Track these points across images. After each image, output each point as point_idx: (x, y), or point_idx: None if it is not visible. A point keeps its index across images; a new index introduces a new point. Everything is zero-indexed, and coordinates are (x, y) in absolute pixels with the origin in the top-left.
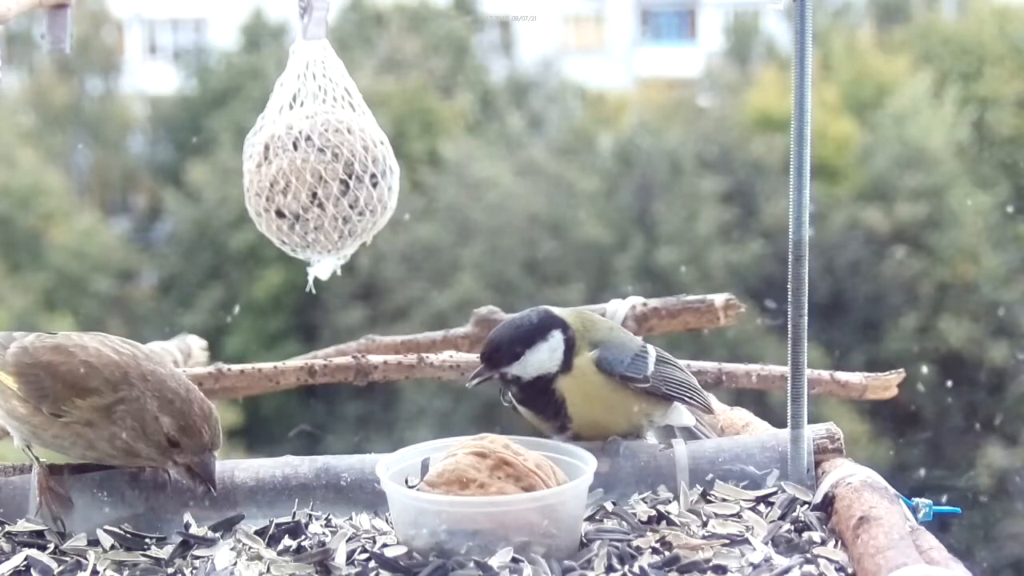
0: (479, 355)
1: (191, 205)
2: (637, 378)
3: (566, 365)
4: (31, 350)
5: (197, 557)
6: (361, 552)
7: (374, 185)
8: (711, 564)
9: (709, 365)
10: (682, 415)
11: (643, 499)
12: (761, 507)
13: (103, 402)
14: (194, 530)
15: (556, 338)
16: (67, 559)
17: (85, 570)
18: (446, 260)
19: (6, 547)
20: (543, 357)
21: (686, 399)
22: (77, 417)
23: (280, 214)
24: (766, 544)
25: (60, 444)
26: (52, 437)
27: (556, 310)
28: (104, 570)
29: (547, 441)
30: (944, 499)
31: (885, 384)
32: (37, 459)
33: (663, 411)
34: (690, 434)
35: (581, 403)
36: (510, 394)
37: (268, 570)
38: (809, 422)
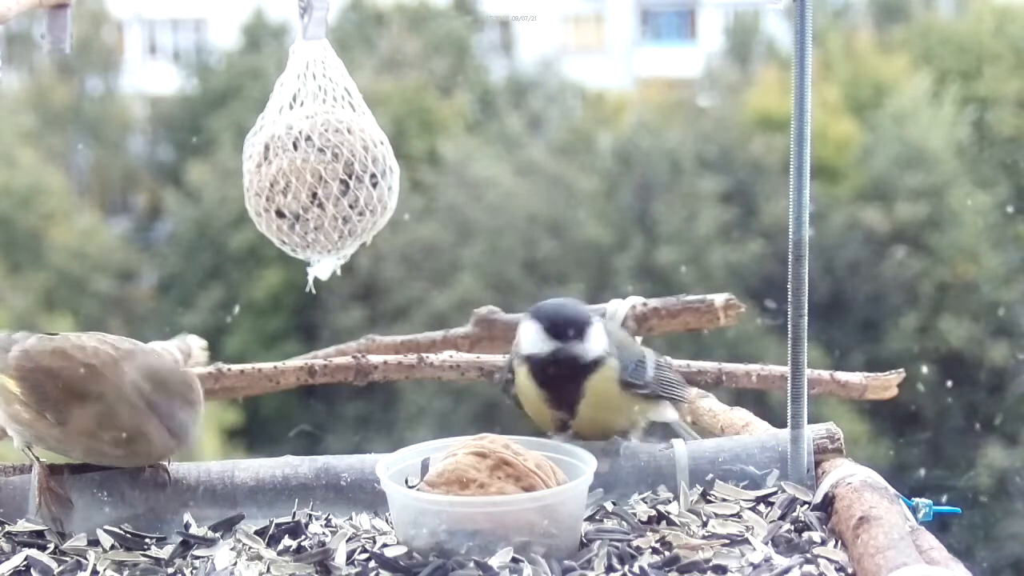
0: (544, 329)
1: (191, 205)
2: (639, 384)
3: (605, 358)
4: (32, 354)
5: (197, 557)
6: (361, 552)
7: (374, 185)
8: (711, 564)
9: (709, 365)
10: (666, 412)
11: (643, 499)
12: (761, 507)
13: (101, 406)
14: (194, 530)
15: (600, 327)
16: (67, 559)
17: (85, 570)
18: (446, 260)
19: (6, 547)
20: (600, 341)
21: (675, 397)
22: (80, 426)
23: (280, 214)
24: (766, 544)
25: (63, 448)
26: (56, 442)
27: None
28: (104, 570)
29: (547, 441)
30: (944, 499)
31: (885, 384)
32: (37, 459)
33: (656, 410)
34: (670, 430)
35: (594, 401)
36: (528, 375)
37: (268, 570)
38: (809, 422)
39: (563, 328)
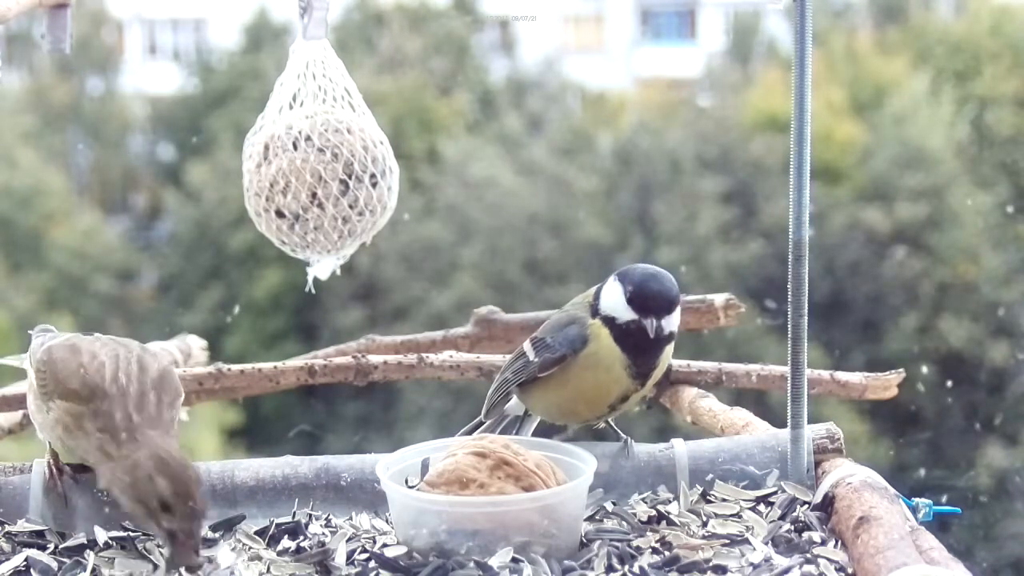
0: (637, 302)
1: (191, 205)
2: None
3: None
4: (50, 347)
5: None
6: (361, 552)
7: (374, 185)
8: (711, 564)
9: (709, 365)
10: None
11: (643, 499)
12: (761, 507)
13: (78, 408)
14: None
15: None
16: (67, 559)
17: (85, 570)
18: (446, 260)
19: (6, 547)
20: (677, 314)
21: None
22: (56, 416)
23: (280, 214)
24: (766, 544)
25: (58, 444)
26: (55, 438)
27: None
28: (104, 570)
29: (547, 441)
30: (944, 499)
31: (885, 384)
32: (50, 444)
33: None
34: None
35: (657, 373)
36: (611, 338)
37: (268, 570)
38: (809, 422)
39: (658, 304)
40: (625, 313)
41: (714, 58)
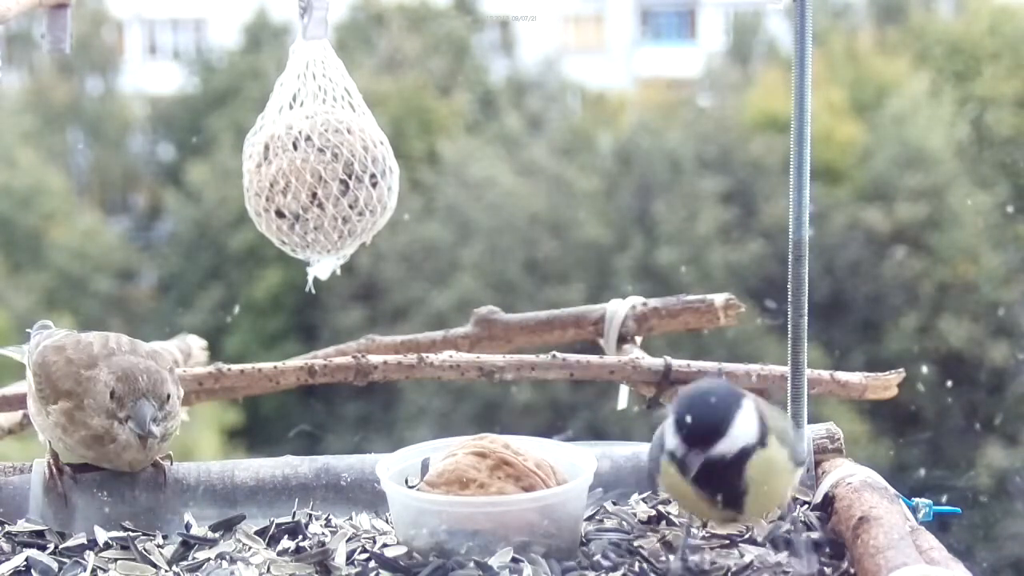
0: (681, 438)
1: (191, 205)
2: (802, 460)
3: (762, 439)
4: (43, 350)
5: (197, 557)
6: (361, 552)
7: (374, 185)
8: (711, 564)
9: (709, 365)
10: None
11: (643, 499)
12: None
13: (68, 405)
14: (194, 530)
15: (748, 407)
16: (67, 559)
17: (85, 570)
18: (446, 260)
19: (6, 547)
20: (748, 427)
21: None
22: (54, 420)
23: (280, 214)
24: (766, 544)
25: (58, 444)
26: (55, 438)
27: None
28: (104, 570)
29: (547, 441)
30: (944, 499)
31: (885, 384)
32: (49, 443)
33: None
34: None
35: (760, 491)
36: (678, 473)
37: (268, 570)
38: (809, 422)
39: (703, 436)
40: (673, 443)
41: (714, 58)
